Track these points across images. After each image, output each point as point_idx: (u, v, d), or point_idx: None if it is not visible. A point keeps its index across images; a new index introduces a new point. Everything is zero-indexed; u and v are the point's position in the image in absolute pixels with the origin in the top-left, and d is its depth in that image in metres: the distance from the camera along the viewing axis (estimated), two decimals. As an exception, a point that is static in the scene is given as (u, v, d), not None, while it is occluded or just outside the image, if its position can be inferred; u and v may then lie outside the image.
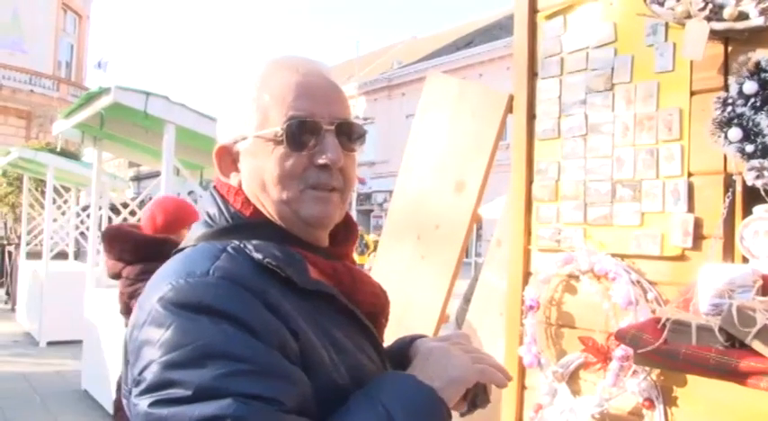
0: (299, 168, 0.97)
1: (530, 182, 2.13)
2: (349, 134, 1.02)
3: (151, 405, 0.78)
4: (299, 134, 0.96)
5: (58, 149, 9.95)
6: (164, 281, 0.87)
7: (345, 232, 1.11)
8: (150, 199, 7.17)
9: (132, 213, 7.58)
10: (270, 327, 0.83)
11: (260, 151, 0.99)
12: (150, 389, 0.79)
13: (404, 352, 1.07)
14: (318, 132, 0.98)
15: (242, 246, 0.92)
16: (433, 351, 1.00)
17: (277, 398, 0.78)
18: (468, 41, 29.80)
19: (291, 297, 0.90)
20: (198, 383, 0.77)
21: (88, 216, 7.92)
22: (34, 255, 10.29)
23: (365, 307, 1.03)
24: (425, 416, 0.87)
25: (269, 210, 1.00)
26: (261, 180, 0.99)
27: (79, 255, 11.02)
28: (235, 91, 1.05)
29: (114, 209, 8.28)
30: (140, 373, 0.82)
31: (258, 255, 0.90)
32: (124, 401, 0.91)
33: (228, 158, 1.04)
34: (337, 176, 1.00)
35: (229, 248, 0.91)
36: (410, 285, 2.49)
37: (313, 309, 0.92)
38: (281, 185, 0.97)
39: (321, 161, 0.97)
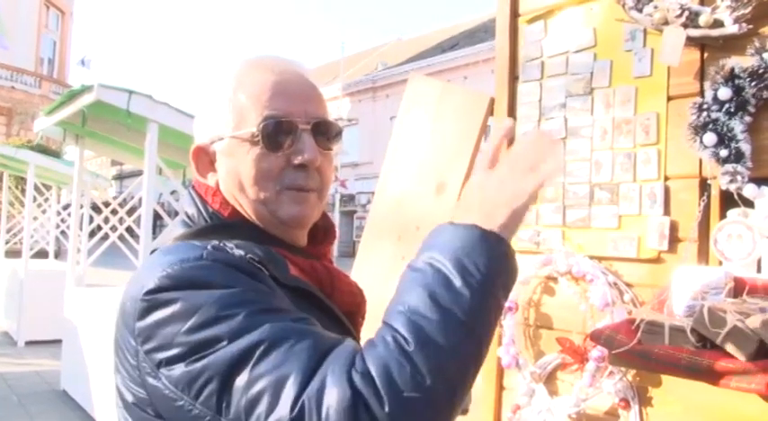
0: (275, 169, 0.97)
1: (510, 184, 2.15)
2: (326, 133, 1.01)
3: (187, 363, 0.78)
4: (275, 134, 0.96)
5: (35, 144, 9.82)
6: (153, 273, 0.85)
7: (324, 233, 1.12)
8: (132, 198, 7.13)
9: (114, 212, 7.50)
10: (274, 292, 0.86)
11: (236, 152, 0.98)
12: (183, 357, 0.78)
13: None
14: (294, 132, 0.97)
15: (222, 245, 0.92)
16: (480, 184, 0.87)
17: (306, 317, 0.82)
18: (453, 44, 29.89)
19: None
20: (228, 330, 0.77)
21: (69, 214, 7.83)
22: (14, 253, 10.17)
23: (343, 305, 1.04)
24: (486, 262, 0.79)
25: (246, 210, 1.00)
26: (238, 180, 0.99)
27: (59, 253, 10.91)
28: (211, 91, 1.05)
29: (96, 207, 8.19)
30: (165, 351, 0.80)
31: (240, 252, 0.90)
32: (118, 398, 0.91)
33: (206, 158, 1.04)
34: (314, 176, 1.00)
35: (209, 247, 0.91)
36: (390, 286, 2.49)
37: (293, 305, 0.93)
38: (258, 186, 0.97)
39: (298, 161, 0.97)
